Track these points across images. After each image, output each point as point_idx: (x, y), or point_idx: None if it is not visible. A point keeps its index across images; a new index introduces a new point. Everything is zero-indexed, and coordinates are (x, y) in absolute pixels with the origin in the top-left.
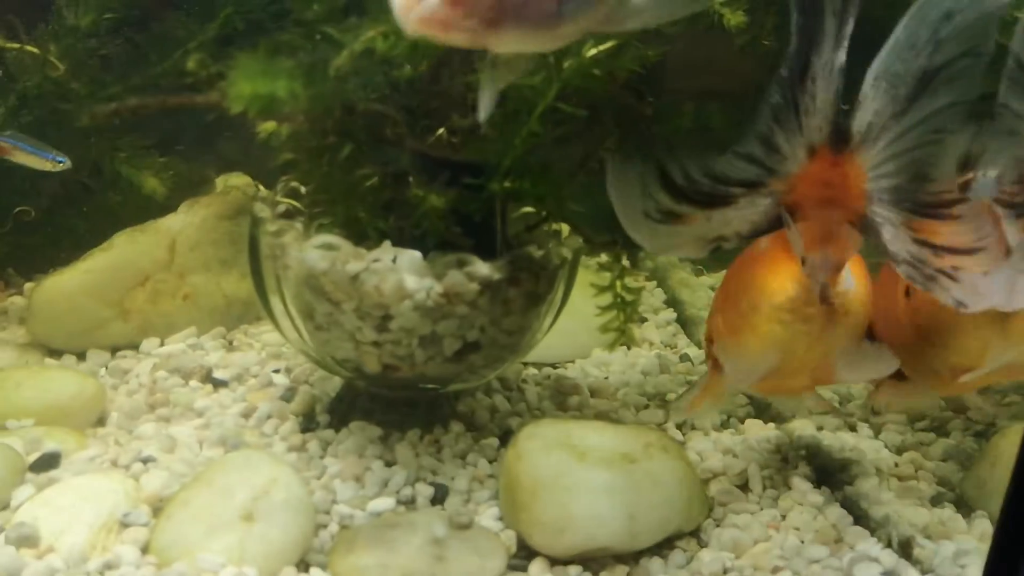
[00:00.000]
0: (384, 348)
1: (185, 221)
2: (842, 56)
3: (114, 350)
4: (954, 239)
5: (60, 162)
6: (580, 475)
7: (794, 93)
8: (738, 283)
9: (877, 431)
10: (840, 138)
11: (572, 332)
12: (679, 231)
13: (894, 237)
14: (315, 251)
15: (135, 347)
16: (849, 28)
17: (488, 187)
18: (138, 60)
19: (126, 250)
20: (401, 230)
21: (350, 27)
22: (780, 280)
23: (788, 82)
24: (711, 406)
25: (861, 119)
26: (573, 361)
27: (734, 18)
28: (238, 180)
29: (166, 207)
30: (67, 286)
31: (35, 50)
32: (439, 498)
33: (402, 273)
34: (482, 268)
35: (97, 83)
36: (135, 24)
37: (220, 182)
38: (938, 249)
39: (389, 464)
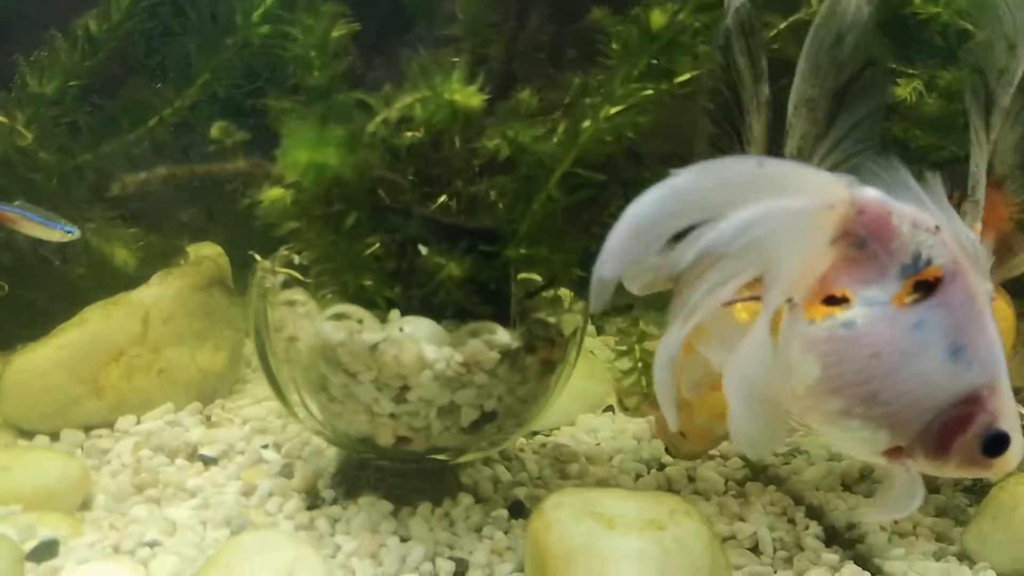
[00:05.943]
0: (401, 420)
1: (159, 293)
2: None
3: (88, 429)
4: None
5: (69, 232)
6: (613, 542)
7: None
8: None
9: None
10: None
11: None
12: None
13: None
14: (329, 322)
15: (110, 425)
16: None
17: (504, 254)
18: (109, 128)
19: (100, 324)
20: (409, 299)
21: (385, 95)
22: None
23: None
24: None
25: (791, 145)
26: (559, 428)
27: None
28: (209, 250)
29: (131, 279)
30: (40, 364)
31: (2, 119)
32: (460, 573)
33: (421, 343)
34: (502, 336)
35: (66, 152)
36: (103, 91)
37: (192, 251)
38: None
39: (404, 540)
